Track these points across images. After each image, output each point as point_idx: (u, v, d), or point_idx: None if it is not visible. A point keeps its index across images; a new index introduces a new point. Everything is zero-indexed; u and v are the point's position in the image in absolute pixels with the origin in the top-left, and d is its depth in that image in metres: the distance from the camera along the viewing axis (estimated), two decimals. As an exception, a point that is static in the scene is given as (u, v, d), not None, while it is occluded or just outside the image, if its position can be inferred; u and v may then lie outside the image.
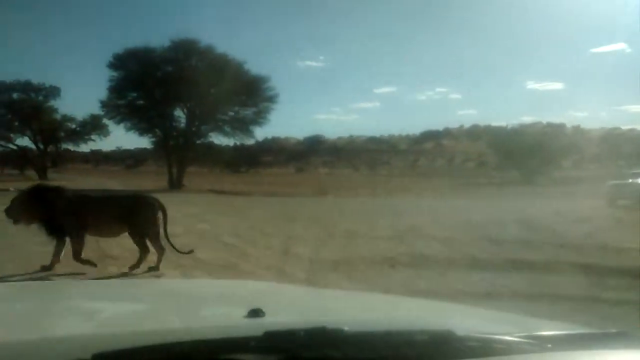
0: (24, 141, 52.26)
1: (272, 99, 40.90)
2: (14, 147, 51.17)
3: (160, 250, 7.41)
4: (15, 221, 7.14)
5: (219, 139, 43.76)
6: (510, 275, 7.45)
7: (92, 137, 54.34)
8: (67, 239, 7.15)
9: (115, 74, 40.07)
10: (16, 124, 50.67)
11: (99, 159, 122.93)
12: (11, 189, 9.42)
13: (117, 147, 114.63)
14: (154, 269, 7.26)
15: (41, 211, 7.01)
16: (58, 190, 7.69)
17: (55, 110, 52.06)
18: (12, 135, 51.14)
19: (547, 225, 13.40)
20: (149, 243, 7.37)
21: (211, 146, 43.90)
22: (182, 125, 41.53)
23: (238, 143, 45.16)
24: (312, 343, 1.08)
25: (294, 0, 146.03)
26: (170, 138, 41.23)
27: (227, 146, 46.31)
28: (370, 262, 8.42)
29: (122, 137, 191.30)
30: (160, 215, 7.47)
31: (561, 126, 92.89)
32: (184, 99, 40.07)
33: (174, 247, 7.39)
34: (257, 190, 34.84)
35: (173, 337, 1.08)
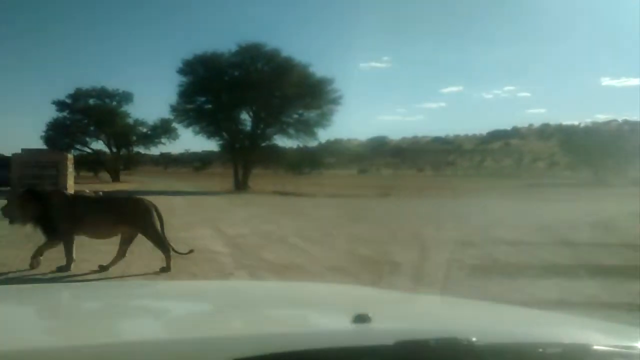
0: (99, 145, 54.86)
1: (336, 101, 41.00)
2: (90, 151, 53.76)
3: (166, 251, 7.35)
4: (11, 221, 7.28)
5: (283, 141, 44.33)
6: (587, 280, 7.07)
7: (162, 140, 56.31)
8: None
9: (184, 79, 41.37)
10: (92, 128, 53.15)
11: (168, 161, 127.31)
12: (99, 191, 9.73)
13: (185, 150, 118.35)
14: (165, 269, 7.24)
15: (35, 211, 7.10)
16: (53, 192, 7.90)
17: (128, 115, 54.32)
18: (88, 139, 53.81)
19: (626, 228, 12.67)
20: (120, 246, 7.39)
21: (275, 148, 44.48)
22: (248, 128, 42.38)
23: (301, 145, 45.48)
24: (444, 354, 1.05)
25: (357, 2, 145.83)
26: (236, 141, 42.09)
27: (291, 148, 46.76)
28: (439, 265, 8.21)
29: (190, 140, 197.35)
30: (156, 217, 7.46)
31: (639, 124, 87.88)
32: (249, 102, 40.80)
33: (173, 249, 7.37)
34: (320, 191, 34.95)
35: (288, 342, 1.08)
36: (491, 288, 6.66)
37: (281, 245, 10.43)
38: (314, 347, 1.06)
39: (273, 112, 41.03)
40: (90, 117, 51.68)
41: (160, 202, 22.62)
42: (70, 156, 27.60)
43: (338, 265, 8.27)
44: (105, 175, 55.84)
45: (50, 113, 52.14)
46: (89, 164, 53.18)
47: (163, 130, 54.74)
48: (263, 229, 13.35)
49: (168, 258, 7.21)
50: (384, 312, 1.63)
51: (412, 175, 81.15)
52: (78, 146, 51.68)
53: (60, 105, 51.59)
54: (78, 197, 8.03)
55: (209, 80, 39.84)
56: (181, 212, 17.89)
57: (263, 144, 42.78)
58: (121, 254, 7.30)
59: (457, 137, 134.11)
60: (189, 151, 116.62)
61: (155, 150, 64.80)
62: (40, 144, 47.43)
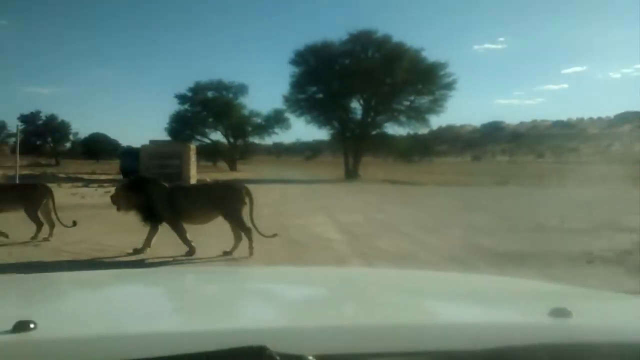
0: (217, 135, 57.51)
1: (449, 86, 39.94)
2: (209, 141, 56.54)
3: (249, 233, 7.56)
4: (119, 208, 7.81)
5: (393, 129, 43.97)
6: None
7: (276, 130, 57.93)
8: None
9: (296, 69, 42.30)
10: (210, 120, 55.85)
11: (280, 150, 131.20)
12: (217, 179, 10.30)
13: (296, 139, 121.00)
14: (229, 251, 7.46)
15: (138, 200, 7.59)
16: (154, 181, 8.21)
17: (243, 107, 56.44)
18: (207, 130, 56.64)
19: None
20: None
21: (385, 136, 44.22)
22: (358, 116, 42.50)
23: (412, 132, 44.81)
24: None
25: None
26: (347, 129, 42.36)
27: (401, 136, 46.24)
28: (563, 256, 7.74)
29: (302, 130, 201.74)
30: (247, 201, 7.69)
31: None
32: (360, 90, 40.85)
33: (259, 232, 7.55)
34: (431, 179, 34.28)
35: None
36: (622, 280, 6.16)
37: (395, 234, 10.35)
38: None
39: (384, 100, 40.79)
40: (209, 109, 54.26)
41: (274, 190, 23.37)
42: (192, 147, 29.30)
43: (456, 256, 8.05)
44: (223, 164, 58.59)
45: (173, 106, 55.46)
46: (208, 153, 55.88)
47: (276, 120, 56.27)
48: (376, 217, 13.34)
49: (250, 243, 7.44)
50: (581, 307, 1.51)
51: (530, 162, 77.16)
52: (198, 137, 54.47)
53: (182, 98, 54.74)
54: (174, 186, 8.50)
55: (320, 69, 40.37)
56: (295, 200, 18.38)
57: (373, 132, 42.70)
58: (238, 237, 7.60)
59: (580, 120, 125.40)
60: (300, 140, 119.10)
61: (268, 140, 66.93)
62: (164, 136, 50.69)
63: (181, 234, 7.51)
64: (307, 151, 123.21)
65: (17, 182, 18.83)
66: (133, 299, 1.64)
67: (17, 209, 8.75)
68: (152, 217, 7.54)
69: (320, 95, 42.57)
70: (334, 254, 8.10)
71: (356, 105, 42.55)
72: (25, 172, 20.49)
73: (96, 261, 7.15)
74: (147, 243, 7.51)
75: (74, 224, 8.76)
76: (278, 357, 0.91)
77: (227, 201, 7.63)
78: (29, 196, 8.73)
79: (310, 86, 42.45)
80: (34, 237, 8.48)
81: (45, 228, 8.75)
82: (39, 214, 8.72)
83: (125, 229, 8.21)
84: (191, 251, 7.41)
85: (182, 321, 1.34)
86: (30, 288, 1.79)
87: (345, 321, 1.30)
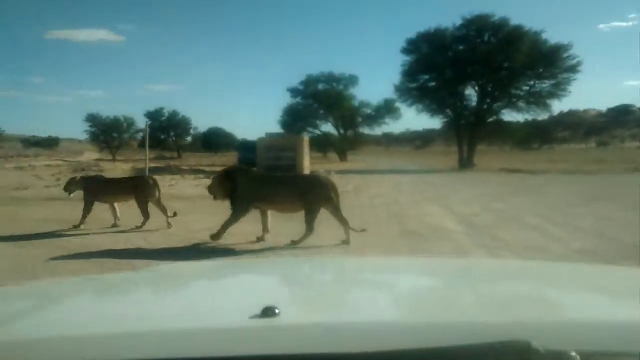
0: (327, 127, 58.40)
1: (573, 69, 37.40)
2: (319, 133, 57.48)
3: (345, 224, 7.69)
4: (215, 197, 8.18)
5: (511, 116, 42.10)
6: None
7: (386, 120, 57.74)
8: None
9: (408, 58, 41.65)
10: (321, 112, 56.78)
11: (389, 141, 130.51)
12: (330, 171, 10.54)
13: (406, 129, 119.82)
14: (345, 242, 7.55)
15: (229, 189, 7.92)
16: (245, 170, 8.50)
17: (353, 98, 56.80)
18: (318, 122, 57.65)
19: None
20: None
21: (502, 123, 42.44)
22: (473, 103, 41.16)
23: (530, 119, 42.58)
24: None
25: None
26: (461, 117, 41.15)
27: (518, 123, 44.09)
28: None
29: (411, 120, 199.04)
30: (333, 194, 7.76)
31: None
32: (475, 77, 39.58)
33: (348, 226, 7.65)
34: (553, 168, 32.39)
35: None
36: None
37: (517, 225, 9.88)
38: None
39: (501, 86, 39.14)
40: (320, 102, 55.16)
41: (387, 181, 23.33)
42: (306, 139, 29.88)
43: (587, 248, 7.52)
44: (333, 155, 59.38)
45: (286, 100, 57.07)
46: (319, 145, 56.86)
47: (387, 110, 56.10)
48: (495, 207, 12.83)
49: (347, 230, 7.59)
50: None
51: (665, 149, 70.29)
52: (309, 129, 55.62)
53: (294, 92, 56.18)
54: (263, 176, 8.90)
55: (433, 57, 39.51)
56: (408, 190, 18.16)
57: (489, 120, 41.16)
58: (346, 225, 7.75)
59: None
60: (410, 130, 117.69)
61: (378, 131, 66.77)
62: (277, 129, 52.32)
63: (231, 222, 7.77)
64: (417, 141, 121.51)
65: (147, 174, 20.36)
66: (355, 286, 1.67)
67: (128, 201, 9.54)
68: (236, 202, 7.87)
69: (433, 84, 41.65)
70: (453, 245, 7.88)
71: (471, 93, 41.25)
72: (152, 165, 22.16)
73: (229, 249, 7.51)
74: (265, 229, 7.90)
75: (175, 214, 9.39)
76: (544, 352, 0.87)
77: (312, 193, 7.73)
78: (140, 188, 9.43)
79: (422, 75, 41.62)
80: (140, 227, 9.12)
81: (158, 217, 9.37)
82: (151, 206, 9.39)
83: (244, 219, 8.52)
84: (218, 237, 7.70)
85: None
86: (263, 273, 1.89)
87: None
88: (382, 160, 58.90)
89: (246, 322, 1.04)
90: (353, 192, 17.45)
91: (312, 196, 7.69)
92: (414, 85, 42.15)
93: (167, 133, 72.54)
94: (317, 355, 0.94)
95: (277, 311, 1.06)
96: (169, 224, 9.18)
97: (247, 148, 31.60)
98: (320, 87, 56.56)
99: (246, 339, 1.00)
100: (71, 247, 7.60)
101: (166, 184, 16.69)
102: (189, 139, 78.71)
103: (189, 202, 13.76)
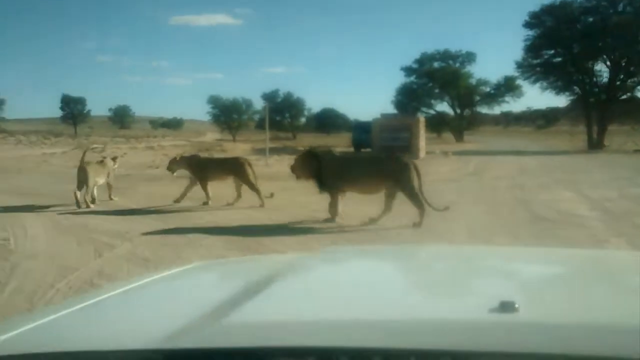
0: (443, 106, 56.88)
1: None
2: (434, 112, 56.12)
3: (421, 207, 7.62)
4: (297, 177, 8.55)
5: (647, 92, 38.42)
6: None
7: (506, 99, 55.19)
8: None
9: (531, 32, 39.36)
10: (436, 90, 55.33)
11: (508, 120, 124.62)
12: (447, 152, 10.33)
13: (527, 108, 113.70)
14: (417, 225, 7.49)
15: (311, 169, 8.24)
16: (327, 152, 8.84)
17: (470, 76, 54.79)
18: (432, 101, 56.27)
19: None
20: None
21: (636, 100, 38.89)
22: (604, 80, 38.10)
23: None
24: None
25: None
26: (590, 94, 38.29)
27: (657, 100, 40.13)
28: None
29: (533, 98, 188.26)
30: (414, 175, 7.76)
31: None
32: (607, 50, 36.66)
33: (430, 205, 7.62)
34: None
35: None
36: None
37: (661, 213, 9.06)
38: None
39: (637, 60, 35.75)
40: (435, 80, 53.75)
41: (509, 162, 22.40)
42: (422, 119, 29.40)
43: None
44: (448, 135, 57.82)
45: (400, 79, 56.29)
46: (433, 125, 55.56)
47: (507, 88, 53.59)
48: (632, 192, 11.85)
49: (421, 215, 7.55)
50: None
51: None
52: (424, 108, 54.54)
53: (408, 70, 55.12)
54: (344, 158, 9.27)
55: (559, 31, 36.96)
56: (534, 173, 17.26)
57: (622, 97, 37.89)
58: (388, 208, 7.87)
59: None
60: (531, 109, 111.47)
61: (496, 109, 63.99)
62: (390, 109, 51.74)
63: (332, 202, 8.07)
64: (539, 120, 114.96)
65: (267, 154, 21.14)
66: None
67: (225, 179, 10.16)
68: (322, 185, 8.16)
69: (559, 59, 39.16)
70: (587, 232, 7.41)
71: (602, 68, 38.17)
72: (269, 145, 23.12)
73: (347, 229, 7.64)
74: (387, 210, 7.93)
75: (272, 195, 10.06)
76: None
77: (394, 174, 7.75)
78: (235, 167, 10.00)
79: (547, 49, 39.17)
80: (205, 203, 9.79)
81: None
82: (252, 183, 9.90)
83: (353, 199, 8.56)
84: (332, 219, 8.00)
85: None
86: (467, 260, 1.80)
87: None
88: (501, 140, 56.40)
89: (487, 316, 0.99)
90: (473, 174, 16.94)
91: (397, 177, 7.73)
92: (537, 61, 39.89)
93: (282, 114, 74.39)
94: (557, 355, 0.86)
95: (516, 305, 1.00)
96: (262, 203, 9.62)
97: (361, 129, 31.67)
98: (435, 65, 55.18)
99: (490, 335, 0.93)
100: (202, 223, 8.13)
101: (285, 163, 17.24)
102: (303, 119, 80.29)
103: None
